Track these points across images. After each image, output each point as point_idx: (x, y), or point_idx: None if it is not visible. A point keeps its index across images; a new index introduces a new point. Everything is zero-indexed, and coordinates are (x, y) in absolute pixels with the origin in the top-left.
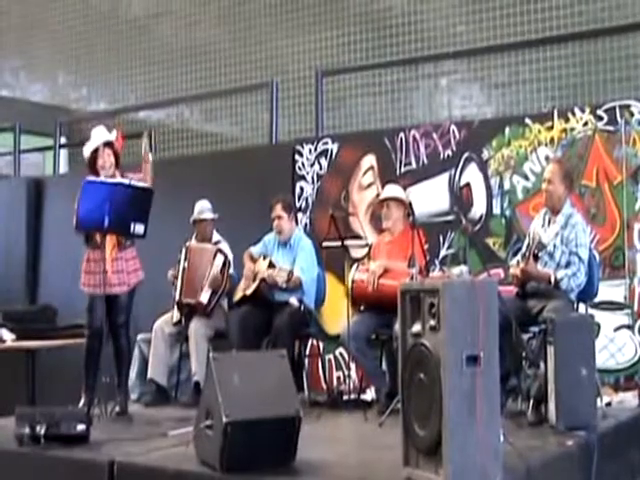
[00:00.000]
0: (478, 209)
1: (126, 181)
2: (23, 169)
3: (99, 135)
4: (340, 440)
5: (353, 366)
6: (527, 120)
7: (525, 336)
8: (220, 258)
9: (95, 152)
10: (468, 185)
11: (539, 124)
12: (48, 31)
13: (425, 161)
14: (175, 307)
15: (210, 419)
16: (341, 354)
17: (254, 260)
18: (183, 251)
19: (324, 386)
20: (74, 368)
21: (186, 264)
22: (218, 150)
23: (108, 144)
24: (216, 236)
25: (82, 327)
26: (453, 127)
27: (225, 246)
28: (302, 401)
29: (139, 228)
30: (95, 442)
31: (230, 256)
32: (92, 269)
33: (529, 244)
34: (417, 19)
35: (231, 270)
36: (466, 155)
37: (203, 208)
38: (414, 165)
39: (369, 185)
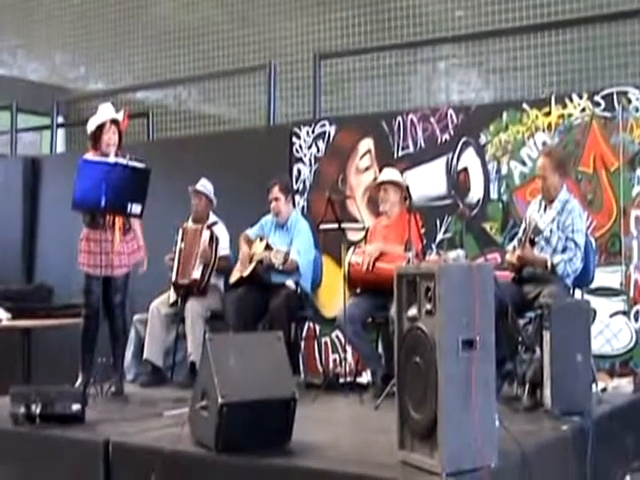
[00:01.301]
0: (475, 194)
1: (123, 161)
2: (20, 148)
3: (107, 111)
4: (336, 423)
5: (349, 349)
6: (525, 105)
7: (521, 321)
8: (206, 233)
9: (100, 128)
10: (465, 170)
11: (537, 110)
12: (46, 10)
13: (422, 145)
14: (172, 288)
15: (206, 400)
16: (337, 337)
17: (250, 242)
18: (180, 233)
19: (320, 369)
20: (70, 347)
21: (182, 245)
22: (216, 131)
23: (114, 122)
24: (212, 217)
25: (78, 307)
26: (451, 111)
27: (221, 227)
28: (298, 383)
29: (136, 208)
30: (90, 422)
31: (227, 237)
32: (92, 249)
33: (525, 229)
34: (416, 3)
35: (221, 246)
36: (463, 140)
37: (204, 183)
38: (411, 149)
39: (366, 168)
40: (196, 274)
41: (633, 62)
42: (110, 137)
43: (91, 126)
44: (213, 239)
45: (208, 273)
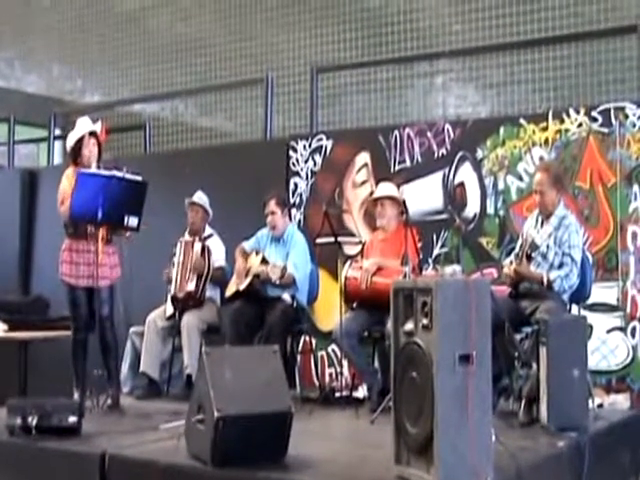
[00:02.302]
0: (472, 208)
1: (120, 174)
2: (17, 160)
3: (84, 125)
4: (332, 437)
5: (345, 363)
6: (522, 120)
7: (517, 336)
8: (198, 245)
9: (79, 142)
10: (462, 184)
11: (534, 124)
12: (44, 22)
13: (419, 159)
14: (169, 301)
15: (202, 413)
16: (333, 351)
17: (246, 255)
18: (178, 246)
19: (316, 383)
20: (66, 360)
21: (180, 259)
22: (212, 145)
23: (93, 134)
24: (208, 230)
25: None
26: (447, 126)
27: (217, 239)
28: (294, 397)
29: (133, 221)
30: (87, 434)
31: (222, 249)
32: (74, 259)
33: (522, 244)
34: (413, 17)
35: (216, 257)
36: (460, 154)
37: (200, 195)
38: (408, 163)
39: (363, 182)
40: (190, 286)
41: (630, 77)
42: (90, 150)
43: (70, 141)
44: (205, 250)
45: (202, 283)
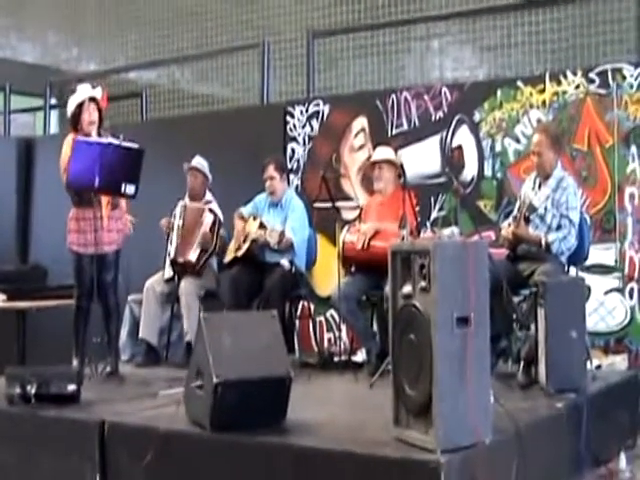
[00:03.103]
0: (469, 171)
1: (116, 141)
2: (13, 129)
3: (85, 90)
4: (331, 401)
5: (344, 327)
6: (519, 83)
7: (516, 298)
8: (209, 217)
9: (79, 107)
10: (459, 147)
11: (531, 87)
12: None
13: (417, 123)
14: (167, 264)
15: (200, 379)
16: (332, 316)
17: (244, 220)
18: (179, 208)
19: (315, 347)
20: (64, 328)
21: (181, 222)
22: (209, 111)
23: (93, 99)
24: (208, 196)
25: (73, 287)
26: (445, 89)
27: (215, 207)
28: (293, 362)
29: (130, 188)
30: (86, 402)
31: (220, 216)
32: (82, 228)
33: (520, 207)
34: None
35: (221, 230)
36: (458, 117)
37: (199, 160)
38: (405, 127)
39: (360, 147)
40: (192, 256)
41: (627, 39)
42: (90, 114)
43: (71, 106)
44: (215, 224)
45: (205, 258)
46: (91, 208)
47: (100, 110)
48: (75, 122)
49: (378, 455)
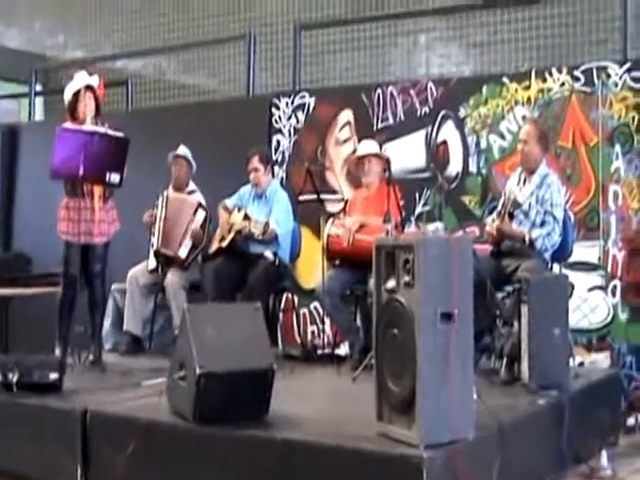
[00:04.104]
0: (454, 167)
1: (102, 130)
2: None
3: (81, 78)
4: (313, 394)
5: (327, 321)
6: (504, 79)
7: (499, 295)
8: (201, 214)
9: (76, 96)
10: (445, 143)
11: (516, 83)
12: None
13: (402, 117)
14: (151, 255)
15: (183, 370)
16: (316, 308)
17: (228, 212)
18: (160, 199)
19: (298, 340)
20: (48, 317)
21: (163, 213)
22: (195, 101)
23: (89, 88)
24: (191, 185)
25: (56, 276)
26: (430, 84)
27: (199, 195)
28: (276, 355)
29: (115, 177)
30: (68, 391)
31: (204, 203)
32: (72, 217)
33: (504, 202)
34: None
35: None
36: (443, 113)
37: (183, 149)
38: (391, 121)
39: (346, 140)
40: (183, 252)
41: (612, 38)
42: (87, 104)
43: (67, 94)
44: (206, 221)
45: (195, 254)
46: (83, 198)
47: (97, 98)
48: (72, 110)
49: (361, 449)
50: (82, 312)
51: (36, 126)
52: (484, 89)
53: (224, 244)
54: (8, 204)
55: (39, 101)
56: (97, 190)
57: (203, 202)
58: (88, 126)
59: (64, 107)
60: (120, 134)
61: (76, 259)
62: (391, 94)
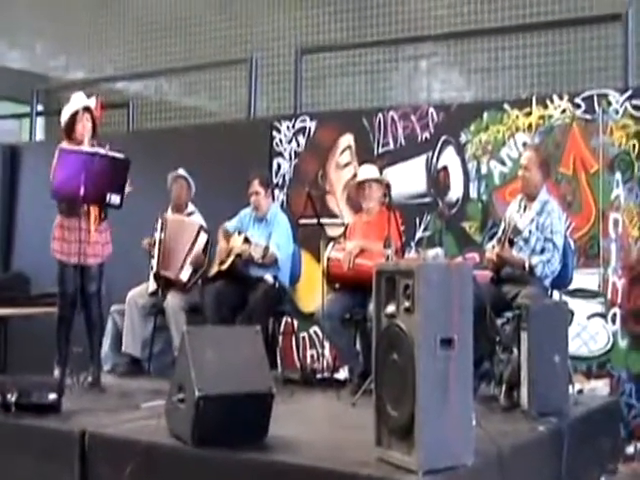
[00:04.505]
0: (455, 193)
1: (102, 151)
2: None
3: (79, 100)
4: (312, 419)
5: (327, 345)
6: (505, 106)
7: (499, 321)
8: (204, 237)
9: (73, 117)
10: (445, 168)
11: (517, 110)
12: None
13: (403, 143)
14: (151, 278)
15: (182, 393)
16: (315, 332)
17: (229, 236)
18: (159, 222)
19: (298, 364)
20: (46, 337)
21: (163, 236)
22: (196, 124)
23: (87, 109)
24: (190, 207)
25: (55, 296)
26: (431, 110)
27: (198, 217)
28: (275, 378)
29: (115, 199)
30: (67, 412)
31: (204, 225)
32: (66, 237)
33: (505, 229)
34: (399, 1)
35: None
36: (444, 138)
37: (182, 171)
38: (392, 146)
39: (346, 164)
40: (184, 275)
41: (614, 65)
42: (84, 125)
43: (65, 115)
44: (208, 244)
45: (196, 277)
46: (78, 218)
47: (94, 119)
48: (69, 131)
49: (360, 474)
50: (81, 333)
51: (37, 146)
52: (485, 115)
53: (224, 267)
54: (9, 224)
55: (40, 121)
56: (93, 211)
57: (204, 224)
58: (88, 147)
59: (61, 128)
60: (121, 155)
61: (71, 279)
62: (392, 119)
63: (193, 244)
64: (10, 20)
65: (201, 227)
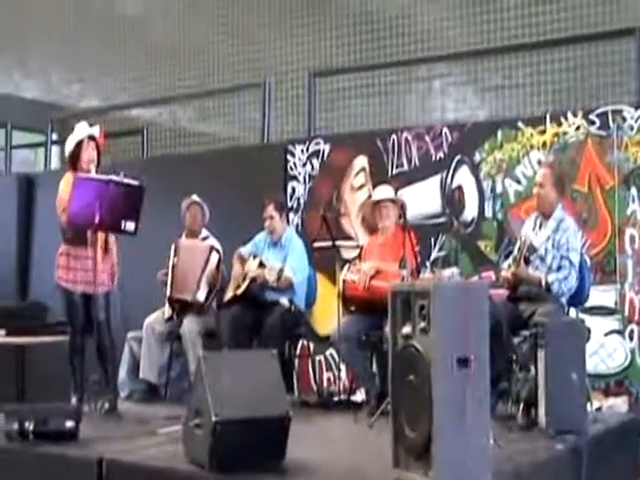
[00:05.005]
0: (470, 212)
1: (117, 178)
2: (14, 165)
3: (83, 129)
4: (330, 441)
5: (343, 367)
6: (520, 124)
7: (516, 339)
8: (215, 256)
9: (78, 146)
10: (460, 188)
11: (532, 128)
12: (41, 28)
13: (417, 163)
14: (167, 303)
15: (199, 418)
16: (331, 355)
17: (244, 261)
18: (172, 248)
19: (314, 387)
20: (63, 365)
21: (175, 260)
22: (211, 149)
23: (92, 138)
24: (204, 232)
25: (66, 324)
26: (445, 129)
27: (213, 241)
28: (292, 402)
29: (130, 225)
30: (84, 439)
31: (220, 249)
32: (72, 265)
33: (520, 247)
34: (411, 21)
35: (222, 266)
36: (458, 158)
37: (196, 196)
38: (406, 167)
39: (361, 186)
40: (201, 296)
41: (627, 81)
42: (89, 154)
43: (69, 145)
44: (220, 262)
45: (212, 296)
46: (85, 247)
47: (98, 148)
48: (74, 161)
49: None
50: (96, 360)
51: (52, 175)
52: (499, 133)
53: (239, 292)
54: (25, 253)
55: (55, 150)
56: (100, 240)
57: (217, 246)
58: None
59: (65, 158)
60: (136, 182)
61: (78, 306)
62: (406, 140)
63: (206, 264)
64: (24, 50)
65: (212, 247)
